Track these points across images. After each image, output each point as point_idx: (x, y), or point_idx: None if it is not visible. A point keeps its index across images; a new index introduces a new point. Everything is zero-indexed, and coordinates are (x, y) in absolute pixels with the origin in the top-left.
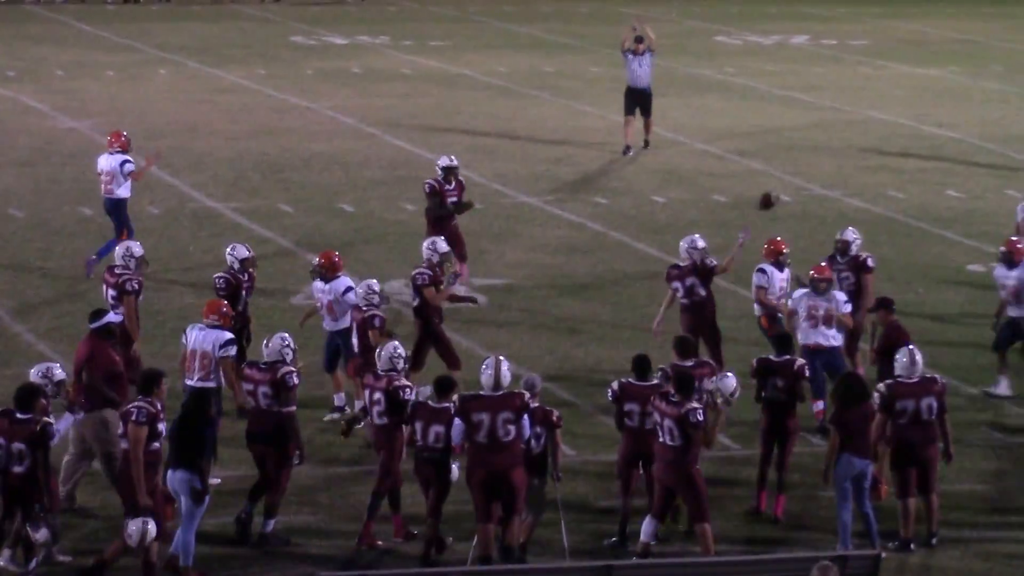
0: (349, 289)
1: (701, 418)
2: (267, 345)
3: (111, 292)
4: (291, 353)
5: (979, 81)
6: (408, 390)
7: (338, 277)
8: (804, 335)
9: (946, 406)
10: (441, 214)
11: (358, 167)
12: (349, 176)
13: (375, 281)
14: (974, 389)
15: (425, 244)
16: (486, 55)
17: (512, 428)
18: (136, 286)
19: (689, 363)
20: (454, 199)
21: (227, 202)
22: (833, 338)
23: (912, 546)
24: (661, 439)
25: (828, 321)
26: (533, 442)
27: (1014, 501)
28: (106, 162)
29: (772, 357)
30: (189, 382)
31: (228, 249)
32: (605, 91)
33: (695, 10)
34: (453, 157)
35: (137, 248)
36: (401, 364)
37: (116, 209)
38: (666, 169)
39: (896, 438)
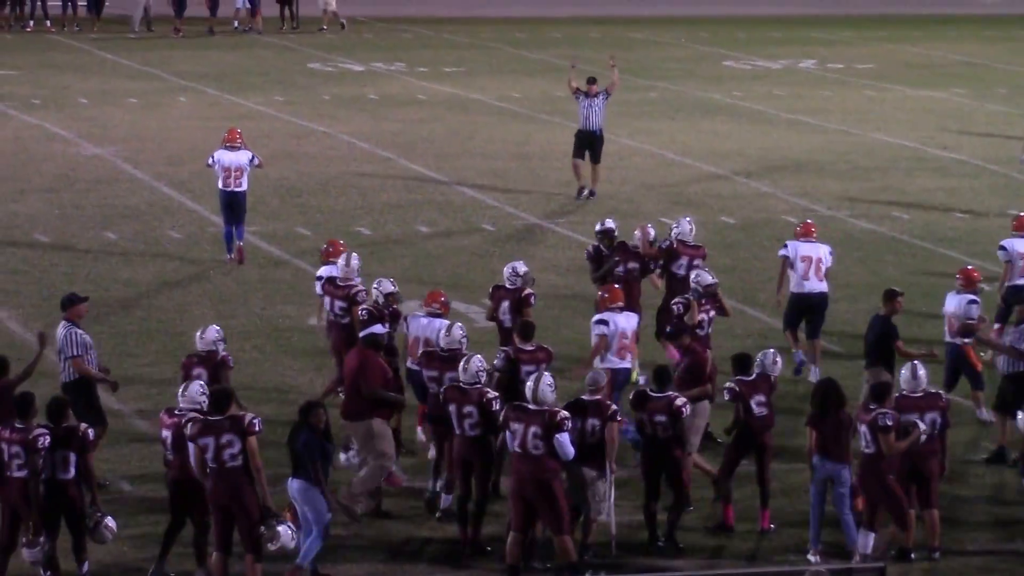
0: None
1: (891, 423)
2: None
3: (339, 304)
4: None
5: (983, 103)
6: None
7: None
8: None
9: (949, 422)
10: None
11: (374, 191)
12: (365, 199)
13: (520, 263)
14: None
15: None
16: (499, 80)
17: (541, 443)
18: (364, 296)
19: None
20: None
21: (247, 225)
22: None
23: (912, 556)
24: (860, 447)
25: None
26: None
27: (1014, 514)
28: (231, 159)
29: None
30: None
31: (375, 284)
32: (614, 115)
33: (704, 35)
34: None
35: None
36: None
37: (239, 202)
38: (675, 191)
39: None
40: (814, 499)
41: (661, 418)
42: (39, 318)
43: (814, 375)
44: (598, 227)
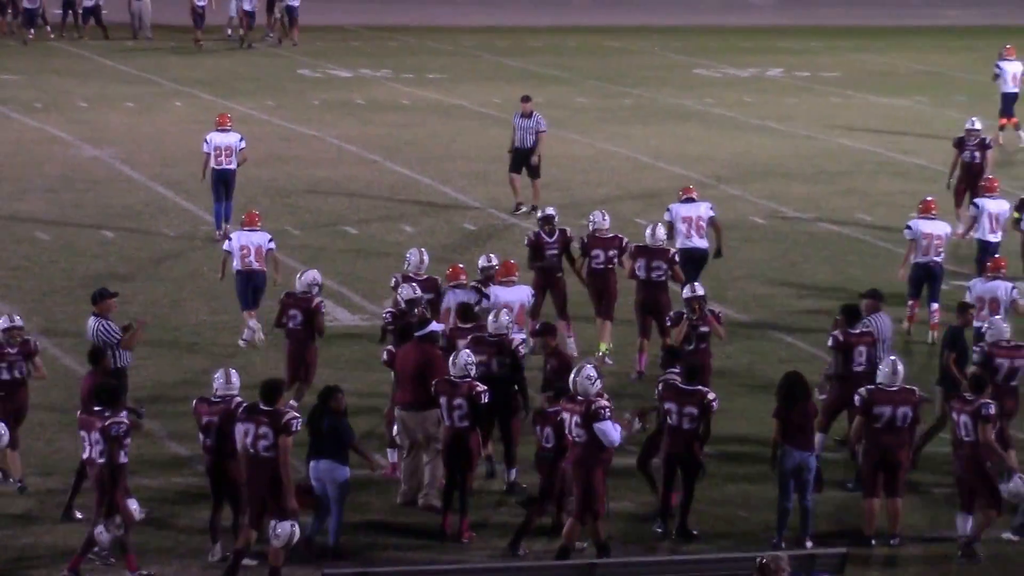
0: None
1: (993, 412)
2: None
3: (297, 314)
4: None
5: (944, 110)
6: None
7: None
8: None
9: (920, 418)
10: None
11: (361, 192)
12: (352, 200)
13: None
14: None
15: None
16: (480, 86)
17: (583, 432)
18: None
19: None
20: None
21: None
22: None
23: (873, 542)
24: (959, 434)
25: None
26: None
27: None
28: (222, 139)
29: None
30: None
31: (401, 292)
32: (591, 120)
33: (676, 44)
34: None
35: (319, 276)
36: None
37: (230, 179)
38: (648, 193)
39: (870, 441)
40: (784, 489)
41: (692, 410)
42: (39, 312)
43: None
44: (539, 213)
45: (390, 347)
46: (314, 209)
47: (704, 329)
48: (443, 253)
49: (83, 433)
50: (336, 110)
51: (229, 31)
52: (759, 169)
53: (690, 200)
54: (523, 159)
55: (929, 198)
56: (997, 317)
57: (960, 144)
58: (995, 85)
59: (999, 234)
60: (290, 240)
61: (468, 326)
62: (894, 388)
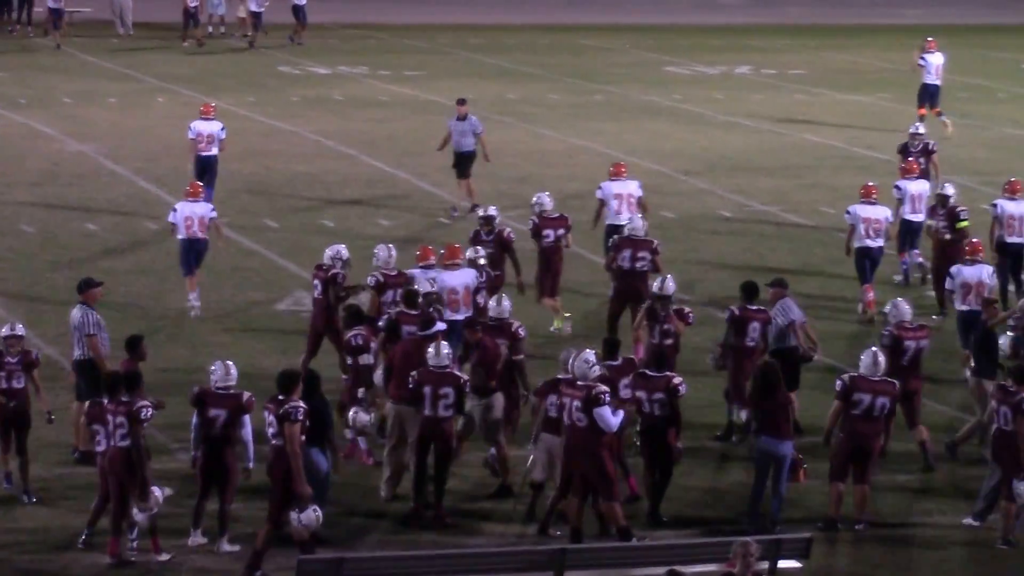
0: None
1: None
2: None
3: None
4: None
5: (907, 107)
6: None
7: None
8: None
9: (895, 411)
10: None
11: (338, 186)
12: (330, 194)
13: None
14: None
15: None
16: (456, 83)
17: (583, 416)
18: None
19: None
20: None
21: (218, 218)
22: None
23: (839, 526)
24: (996, 424)
25: None
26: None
27: (934, 492)
28: (204, 127)
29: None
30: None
31: (418, 286)
32: (564, 116)
33: (647, 43)
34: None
35: (344, 251)
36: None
37: (212, 165)
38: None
39: (845, 427)
40: (760, 476)
41: (660, 396)
42: (24, 303)
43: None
44: (481, 212)
45: (360, 331)
46: (293, 202)
47: (668, 327)
48: (419, 245)
49: (96, 426)
50: (315, 106)
51: (210, 28)
52: (727, 164)
53: (620, 178)
54: (463, 162)
55: (870, 183)
56: (901, 299)
57: (904, 150)
58: (930, 78)
59: (921, 215)
60: (269, 233)
61: (414, 312)
62: (875, 378)
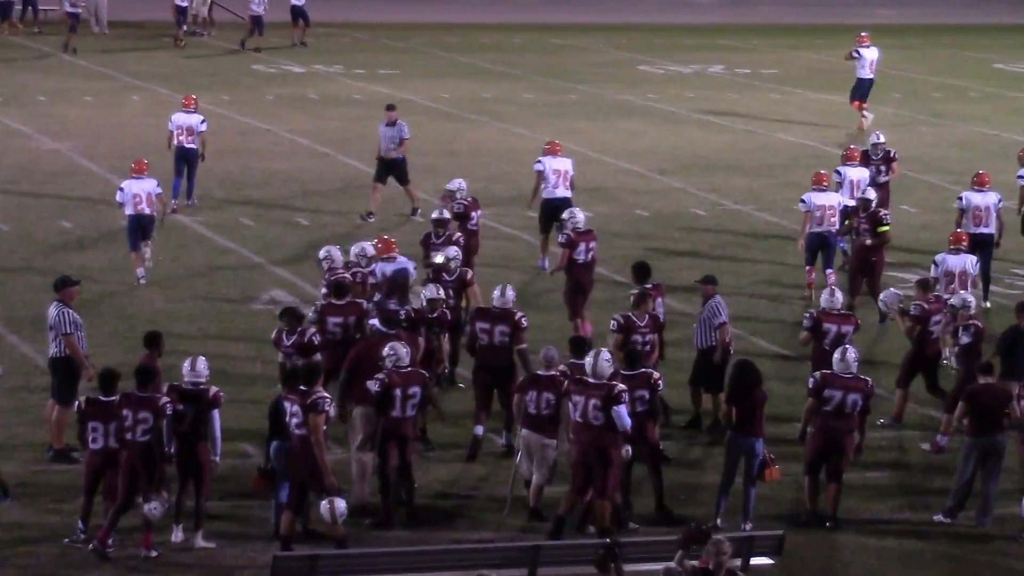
0: None
1: None
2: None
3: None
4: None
5: (878, 107)
6: None
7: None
8: None
9: (869, 408)
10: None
11: (313, 184)
12: (305, 192)
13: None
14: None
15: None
16: (430, 82)
17: (600, 415)
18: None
19: None
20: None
21: (194, 216)
22: None
23: (814, 520)
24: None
25: None
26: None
27: (906, 489)
28: (184, 119)
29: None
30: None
31: (425, 291)
32: (538, 115)
33: (621, 42)
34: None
35: (370, 248)
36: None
37: (190, 157)
38: (593, 186)
39: (818, 424)
40: (727, 471)
41: (643, 393)
42: None
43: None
44: (434, 215)
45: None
46: (268, 201)
47: (650, 337)
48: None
49: (93, 423)
50: (289, 105)
51: (184, 27)
52: (701, 163)
53: (557, 154)
54: (387, 168)
55: (822, 171)
56: (836, 288)
57: (865, 158)
58: (864, 72)
59: (830, 227)
60: (244, 231)
61: (342, 303)
62: (847, 375)
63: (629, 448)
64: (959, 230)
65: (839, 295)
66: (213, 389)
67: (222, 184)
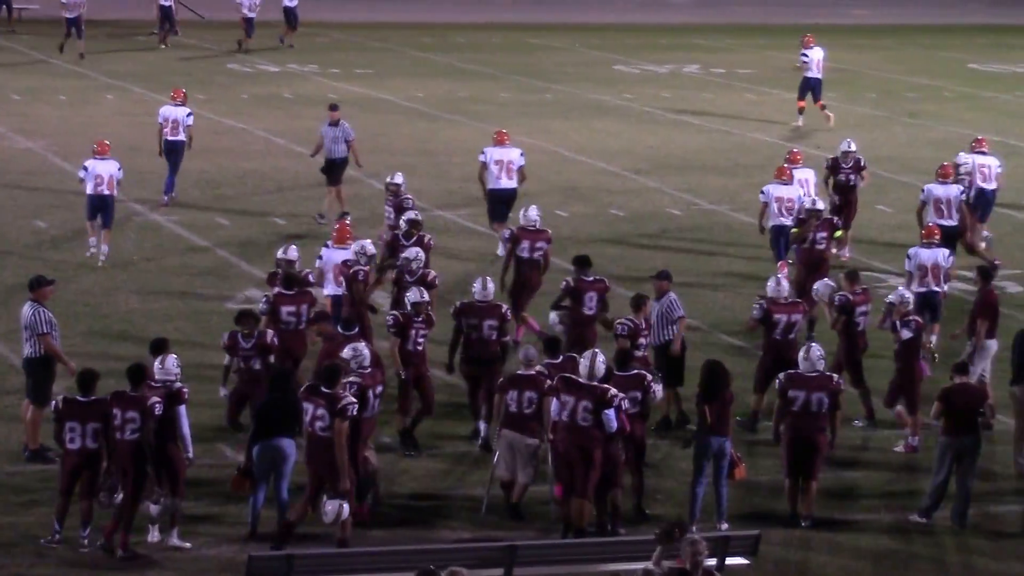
0: None
1: None
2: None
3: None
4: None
5: (854, 107)
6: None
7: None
8: None
9: (839, 404)
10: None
11: (289, 183)
12: (280, 191)
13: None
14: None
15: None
16: (406, 82)
17: (590, 416)
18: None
19: None
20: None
21: (168, 215)
22: None
23: (802, 524)
24: None
25: None
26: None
27: (882, 488)
28: (171, 112)
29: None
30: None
31: (409, 295)
32: (514, 115)
33: (596, 42)
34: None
35: (370, 246)
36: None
37: (176, 150)
38: (568, 186)
39: (788, 424)
40: (699, 473)
41: (636, 394)
42: None
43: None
44: (409, 216)
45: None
46: (243, 200)
47: (643, 341)
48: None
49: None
50: (264, 104)
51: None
52: (676, 162)
53: (504, 145)
54: (332, 169)
55: (785, 165)
56: (782, 275)
57: (835, 165)
58: (811, 72)
59: (791, 217)
60: (220, 230)
61: (291, 292)
62: (811, 374)
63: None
64: (931, 224)
65: (785, 284)
66: (177, 385)
67: (197, 183)
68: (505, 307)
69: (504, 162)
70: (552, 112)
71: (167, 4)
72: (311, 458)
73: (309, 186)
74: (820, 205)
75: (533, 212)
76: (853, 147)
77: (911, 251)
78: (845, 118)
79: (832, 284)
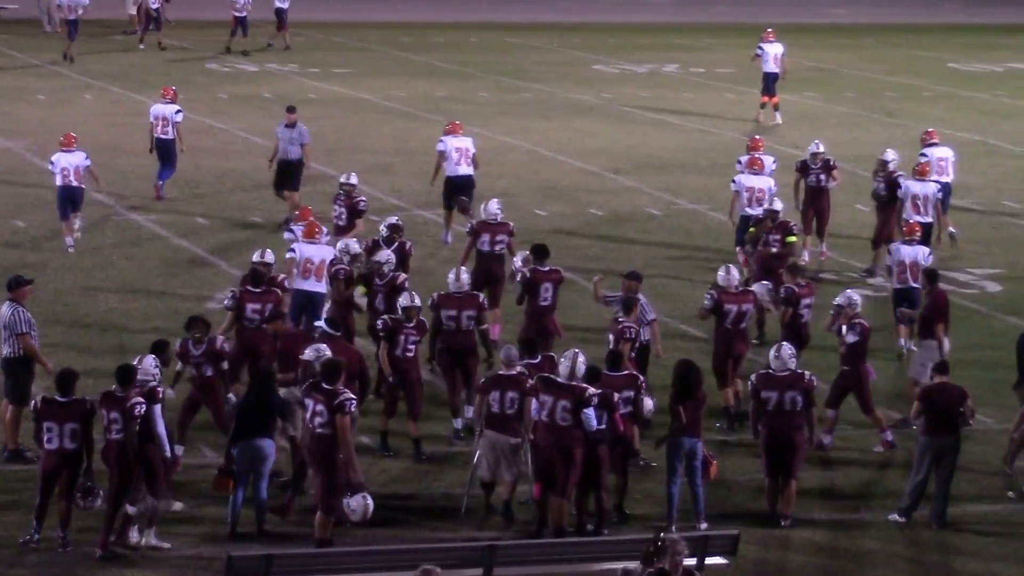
0: None
1: None
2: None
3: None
4: None
5: (833, 106)
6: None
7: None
8: None
9: (814, 401)
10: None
11: (267, 183)
12: (259, 191)
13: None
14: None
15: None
16: (385, 81)
17: (569, 416)
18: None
19: None
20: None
21: (147, 215)
22: None
23: (783, 523)
24: None
25: None
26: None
27: (860, 488)
28: (160, 110)
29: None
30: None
31: (401, 300)
32: (492, 114)
33: (575, 41)
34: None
35: (354, 245)
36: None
37: (167, 147)
38: (547, 185)
39: (764, 425)
40: (673, 473)
41: (629, 394)
42: None
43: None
44: (389, 220)
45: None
46: (222, 200)
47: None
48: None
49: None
50: (243, 103)
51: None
52: (655, 162)
53: (457, 134)
54: (286, 170)
55: (756, 155)
56: (732, 265)
57: (804, 167)
58: (769, 67)
59: (758, 209)
60: (199, 230)
61: (258, 290)
62: (782, 373)
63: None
64: (912, 221)
65: (735, 273)
66: (152, 384)
67: (176, 183)
68: (482, 296)
69: (463, 150)
70: (531, 111)
71: (155, 6)
72: (312, 454)
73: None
74: (778, 206)
75: (493, 206)
76: (822, 148)
77: (892, 247)
78: (824, 117)
79: (768, 285)
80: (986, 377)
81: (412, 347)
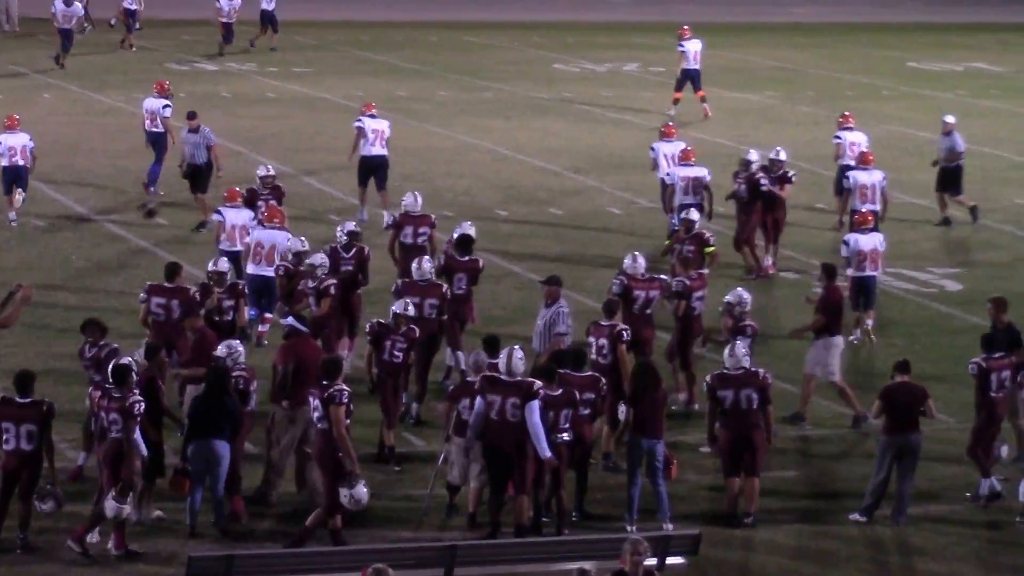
0: None
1: None
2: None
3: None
4: None
5: (794, 105)
6: None
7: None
8: None
9: (769, 399)
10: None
11: (226, 182)
12: (217, 191)
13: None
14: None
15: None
16: (345, 80)
17: (519, 412)
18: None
19: None
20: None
21: (107, 215)
22: None
23: (745, 521)
24: None
25: None
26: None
27: (822, 488)
28: (150, 104)
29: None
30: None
31: (395, 307)
32: (452, 113)
33: (535, 39)
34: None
35: (299, 243)
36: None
37: (157, 140)
38: (508, 185)
39: (723, 424)
40: (633, 475)
41: (589, 395)
42: None
43: None
44: (348, 227)
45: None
46: (181, 199)
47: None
48: (312, 244)
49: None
50: (202, 103)
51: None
52: (615, 161)
53: (375, 116)
54: (196, 175)
55: (688, 148)
56: (639, 253)
57: (762, 171)
58: (689, 63)
59: (691, 197)
60: (158, 229)
61: (171, 286)
62: (736, 372)
63: (566, 436)
64: (863, 210)
65: (641, 260)
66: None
67: (135, 183)
68: (445, 286)
69: (379, 131)
70: (491, 111)
71: (132, 7)
72: (318, 453)
73: (247, 185)
74: (694, 216)
75: (411, 198)
76: (783, 156)
77: (848, 238)
78: (785, 116)
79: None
80: (946, 375)
81: (399, 354)
